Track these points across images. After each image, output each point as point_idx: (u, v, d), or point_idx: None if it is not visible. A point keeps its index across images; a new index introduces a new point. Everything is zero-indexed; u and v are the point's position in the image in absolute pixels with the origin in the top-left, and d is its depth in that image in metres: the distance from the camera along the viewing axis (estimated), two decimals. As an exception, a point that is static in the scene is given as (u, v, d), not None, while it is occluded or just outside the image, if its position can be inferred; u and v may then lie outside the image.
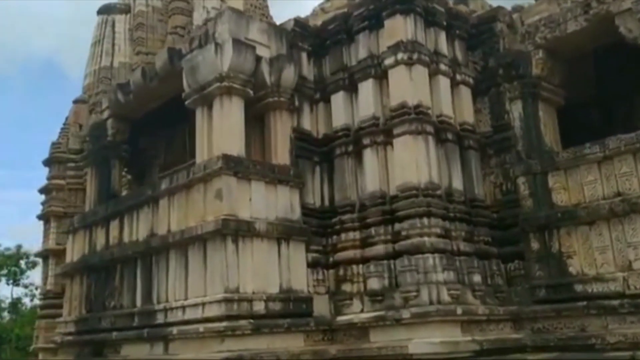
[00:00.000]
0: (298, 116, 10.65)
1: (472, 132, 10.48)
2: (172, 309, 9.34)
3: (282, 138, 10.30)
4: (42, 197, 19.12)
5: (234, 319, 8.53)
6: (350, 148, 10.26)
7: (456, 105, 10.37)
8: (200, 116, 10.09)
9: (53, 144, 19.01)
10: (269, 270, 9.23)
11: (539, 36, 10.36)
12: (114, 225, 11.36)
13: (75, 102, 19.87)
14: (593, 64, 11.71)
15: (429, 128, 9.53)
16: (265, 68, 10.16)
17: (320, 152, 10.69)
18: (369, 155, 9.93)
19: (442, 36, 10.47)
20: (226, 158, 9.14)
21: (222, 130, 9.60)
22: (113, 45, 20.31)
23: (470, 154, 10.30)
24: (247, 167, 9.38)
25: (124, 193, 13.70)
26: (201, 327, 8.58)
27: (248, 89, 9.87)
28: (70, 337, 11.84)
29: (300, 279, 9.62)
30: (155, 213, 10.34)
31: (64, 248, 17.69)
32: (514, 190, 10.12)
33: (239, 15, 10.38)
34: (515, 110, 10.41)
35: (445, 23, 10.50)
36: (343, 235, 9.95)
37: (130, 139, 12.96)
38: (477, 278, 9.30)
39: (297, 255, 9.69)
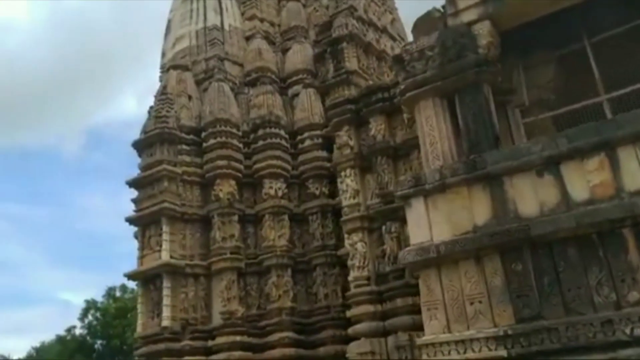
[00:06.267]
0: None
1: None
2: None
3: None
4: (132, 193, 12.94)
5: None
6: None
7: None
8: None
9: (157, 117, 13.06)
10: None
11: None
12: (587, 166, 6.80)
13: (174, 67, 14.28)
14: None
15: None
16: None
17: None
18: None
19: None
20: None
21: None
22: (220, 2, 15.31)
23: None
24: None
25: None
26: None
27: None
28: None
29: None
30: None
31: (185, 264, 11.94)
32: None
33: None
34: None
35: None
36: None
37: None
38: None
39: None
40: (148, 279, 12.13)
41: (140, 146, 13.16)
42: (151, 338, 11.67)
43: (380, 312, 9.90)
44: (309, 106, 13.84)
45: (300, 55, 14.91)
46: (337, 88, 13.75)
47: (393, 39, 16.12)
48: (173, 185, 12.59)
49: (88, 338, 37.02)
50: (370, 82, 13.49)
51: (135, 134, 14.86)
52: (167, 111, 13.20)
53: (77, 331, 37.01)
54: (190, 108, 13.67)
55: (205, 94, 13.85)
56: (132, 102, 76.08)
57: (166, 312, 11.65)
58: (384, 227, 10.25)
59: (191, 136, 13.35)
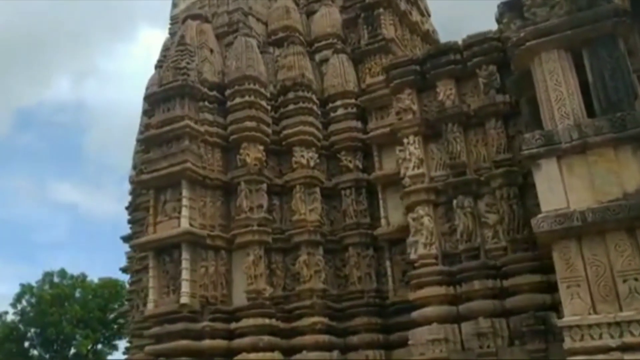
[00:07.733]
0: None
1: None
2: None
3: None
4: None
5: None
6: None
7: None
8: None
9: (177, 68, 11.46)
10: None
11: None
12: None
13: (193, 17, 12.74)
14: None
15: None
16: None
17: None
18: None
19: None
20: None
21: None
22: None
23: None
24: None
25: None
26: None
27: None
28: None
29: None
30: None
31: (215, 235, 10.55)
32: None
33: None
34: None
35: None
36: None
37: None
38: None
39: None
40: (162, 249, 10.54)
41: (155, 99, 11.54)
42: (166, 317, 10.10)
43: (452, 295, 8.78)
44: (341, 72, 12.59)
45: (329, 18, 13.65)
46: (373, 56, 12.69)
47: (422, 13, 15.17)
48: (194, 145, 11.06)
49: (20, 325, 34.13)
50: (408, 53, 12.45)
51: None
52: (188, 63, 11.62)
53: (9, 317, 34.09)
54: (213, 62, 12.15)
55: (230, 49, 12.38)
56: (66, 84, 71.48)
57: (185, 288, 10.10)
58: (455, 201, 9.16)
59: (214, 93, 11.84)
